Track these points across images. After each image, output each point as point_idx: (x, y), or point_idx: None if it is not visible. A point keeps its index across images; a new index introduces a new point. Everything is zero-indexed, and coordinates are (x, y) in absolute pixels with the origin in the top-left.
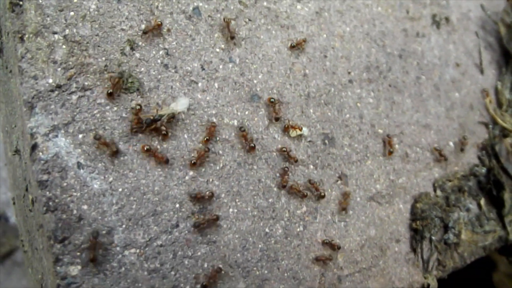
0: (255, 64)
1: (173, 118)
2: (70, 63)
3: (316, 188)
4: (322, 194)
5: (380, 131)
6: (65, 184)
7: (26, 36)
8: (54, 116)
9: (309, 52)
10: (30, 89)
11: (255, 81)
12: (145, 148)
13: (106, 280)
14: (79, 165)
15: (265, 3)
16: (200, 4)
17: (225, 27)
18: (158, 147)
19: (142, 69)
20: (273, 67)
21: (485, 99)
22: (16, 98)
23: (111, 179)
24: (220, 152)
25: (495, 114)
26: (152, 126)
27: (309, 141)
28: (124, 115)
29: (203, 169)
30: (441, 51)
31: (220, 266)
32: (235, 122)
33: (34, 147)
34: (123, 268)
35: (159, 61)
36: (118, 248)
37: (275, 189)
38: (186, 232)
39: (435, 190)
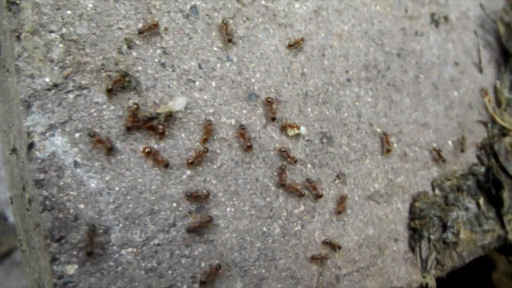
0: (253, 63)
1: (170, 116)
2: (67, 62)
3: (314, 187)
4: (320, 193)
5: (379, 130)
6: (61, 183)
7: (23, 34)
8: (51, 115)
9: (307, 51)
10: (27, 88)
11: (252, 80)
12: (146, 151)
13: (103, 279)
14: (76, 164)
15: (263, 2)
16: (198, 3)
17: (224, 29)
18: (156, 146)
19: (139, 68)
20: (271, 66)
21: (484, 98)
22: (13, 97)
23: (108, 178)
24: (218, 151)
25: (494, 113)
26: (149, 124)
27: (307, 140)
28: (121, 114)
29: (200, 168)
30: (440, 50)
31: (220, 263)
32: (233, 121)
33: (30, 146)
34: (120, 267)
35: (156, 60)
36: (115, 247)
37: (272, 188)
38: (183, 231)
39: (433, 189)
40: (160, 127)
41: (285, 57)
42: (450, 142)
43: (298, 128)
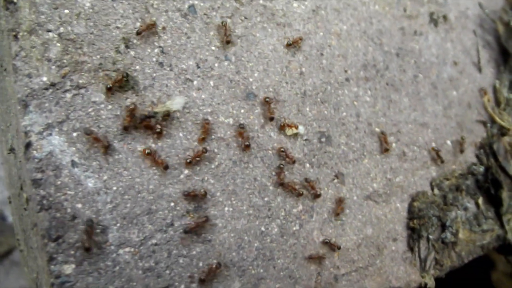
0: (251, 62)
1: (168, 116)
2: (65, 61)
3: (312, 186)
4: (318, 193)
5: (377, 129)
6: (59, 182)
7: (20, 34)
8: (48, 114)
9: (306, 50)
10: (24, 87)
11: (250, 79)
12: (146, 152)
13: (100, 279)
14: (73, 164)
15: (261, 1)
16: (196, 2)
17: (222, 30)
18: (153, 145)
19: (137, 67)
20: (269, 65)
21: (483, 97)
22: (11, 97)
23: (105, 177)
24: (216, 150)
25: (493, 113)
26: (146, 122)
27: (305, 140)
28: (118, 113)
29: (198, 168)
30: (438, 50)
31: (220, 262)
32: (231, 121)
33: (28, 145)
34: (117, 267)
35: (154, 59)
36: (112, 247)
37: (271, 187)
38: (181, 230)
39: (432, 189)
40: (158, 126)
41: (284, 56)
42: (449, 142)
43: (297, 128)
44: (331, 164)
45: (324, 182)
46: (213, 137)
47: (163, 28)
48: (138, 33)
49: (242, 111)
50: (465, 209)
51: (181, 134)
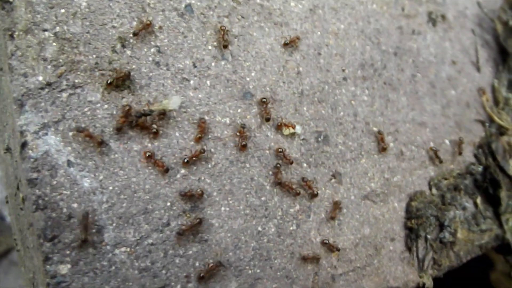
0: (248, 62)
1: (164, 114)
2: (61, 60)
3: (309, 186)
4: (315, 192)
5: (375, 129)
6: (55, 182)
7: (16, 33)
8: (44, 114)
9: (303, 49)
10: (20, 87)
11: (247, 79)
12: (147, 155)
13: (96, 279)
14: (69, 163)
15: (258, 0)
16: (193, 1)
17: (221, 34)
18: (150, 145)
19: (133, 66)
20: (266, 65)
21: (482, 97)
22: (7, 96)
23: (101, 177)
24: (212, 150)
25: (491, 112)
26: (141, 121)
27: (303, 139)
28: (114, 112)
29: (195, 167)
30: (437, 49)
31: (220, 260)
32: (227, 120)
33: (23, 145)
34: (113, 267)
35: (150, 58)
36: (108, 247)
37: (267, 187)
38: (178, 230)
39: (430, 189)
40: (154, 126)
41: (281, 55)
42: (447, 141)
43: (294, 127)
44: (329, 164)
45: (322, 181)
46: (209, 136)
47: (160, 27)
48: (134, 34)
49: (239, 110)
50: (464, 208)
51: (177, 134)
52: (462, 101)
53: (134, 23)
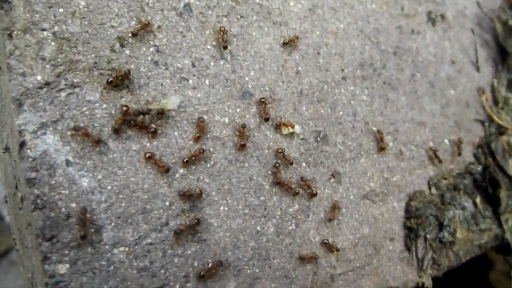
0: (247, 61)
1: (162, 114)
2: (59, 60)
3: (308, 185)
4: (314, 192)
5: (374, 128)
6: (53, 181)
7: (15, 33)
8: (43, 114)
9: (302, 49)
10: (19, 86)
11: (246, 78)
12: (147, 156)
13: (95, 278)
14: (68, 163)
15: (257, 0)
16: (191, 0)
17: (220, 35)
18: (148, 144)
19: (132, 66)
20: (265, 64)
21: (481, 96)
22: (5, 95)
23: (100, 176)
24: (211, 149)
25: (491, 112)
26: (140, 121)
27: (302, 139)
28: (113, 112)
29: (194, 167)
30: (436, 48)
31: (221, 260)
32: (226, 120)
33: (22, 144)
34: (112, 267)
35: (149, 58)
36: (107, 247)
37: (266, 187)
38: (175, 229)
39: (430, 188)
40: (153, 126)
41: (280, 55)
42: (446, 141)
43: (293, 127)
44: (328, 163)
45: (321, 181)
46: (208, 136)
47: (159, 27)
48: (133, 35)
49: (238, 110)
50: (463, 208)
51: (176, 133)
52: (462, 100)
53: (133, 23)
